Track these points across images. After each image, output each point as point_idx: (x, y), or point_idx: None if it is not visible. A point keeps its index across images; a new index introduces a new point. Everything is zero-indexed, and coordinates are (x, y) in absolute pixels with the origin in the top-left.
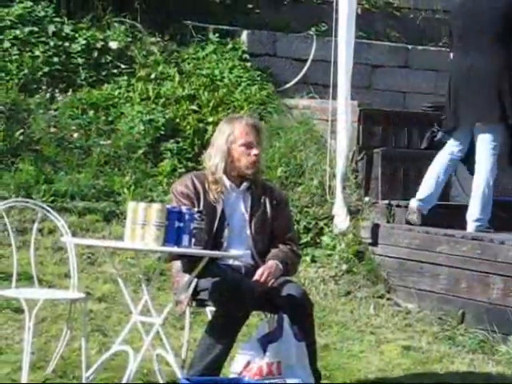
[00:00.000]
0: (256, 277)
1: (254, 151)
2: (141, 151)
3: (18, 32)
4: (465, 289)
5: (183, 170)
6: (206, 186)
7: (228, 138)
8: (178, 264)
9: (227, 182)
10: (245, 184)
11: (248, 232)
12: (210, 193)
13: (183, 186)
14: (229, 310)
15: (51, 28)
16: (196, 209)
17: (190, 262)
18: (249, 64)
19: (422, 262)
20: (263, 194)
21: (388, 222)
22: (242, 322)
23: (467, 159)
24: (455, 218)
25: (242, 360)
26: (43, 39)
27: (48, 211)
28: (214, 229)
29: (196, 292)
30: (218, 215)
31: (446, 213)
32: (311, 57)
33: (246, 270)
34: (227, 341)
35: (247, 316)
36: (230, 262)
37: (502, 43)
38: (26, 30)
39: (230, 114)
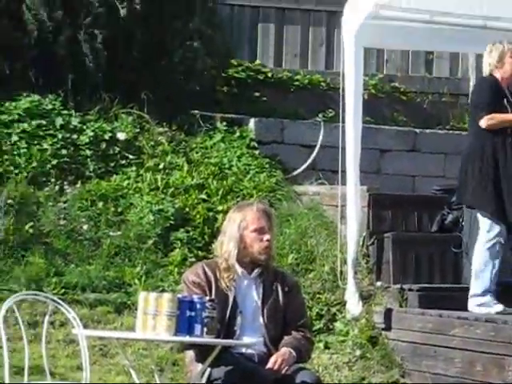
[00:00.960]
0: (269, 365)
1: (267, 236)
2: (151, 241)
3: (25, 125)
4: (480, 372)
5: (194, 259)
6: (218, 274)
7: (240, 225)
8: (190, 354)
9: (239, 269)
10: (256, 271)
11: (261, 319)
12: (222, 281)
13: (194, 274)
14: None
15: (59, 121)
16: (207, 297)
17: (202, 351)
18: (257, 152)
19: (435, 345)
20: (275, 281)
21: (401, 306)
22: None
23: None
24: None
25: None
26: (51, 132)
27: (59, 304)
28: (227, 317)
29: (209, 381)
30: (230, 303)
31: (458, 295)
32: (319, 143)
33: (260, 358)
34: None
35: None
36: (243, 350)
37: (476, 128)
38: (34, 123)
39: (240, 202)
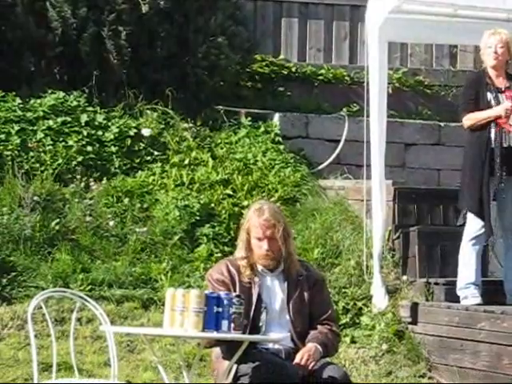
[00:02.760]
0: (296, 360)
1: (265, 246)
2: (177, 237)
3: (51, 122)
4: (507, 365)
5: (220, 254)
6: (242, 269)
7: (246, 226)
8: (217, 350)
9: (259, 267)
10: (279, 268)
11: (287, 315)
12: (245, 277)
13: (218, 272)
14: None
15: (84, 117)
16: (234, 293)
17: (229, 348)
18: (282, 146)
19: (462, 339)
20: (299, 276)
21: (427, 300)
22: None
23: None
24: (494, 294)
25: None
26: (76, 129)
27: (86, 300)
28: (252, 313)
29: (237, 377)
30: (255, 299)
31: (484, 289)
32: (344, 137)
33: (286, 354)
34: None
35: None
36: (270, 345)
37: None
38: (59, 120)
39: (258, 201)
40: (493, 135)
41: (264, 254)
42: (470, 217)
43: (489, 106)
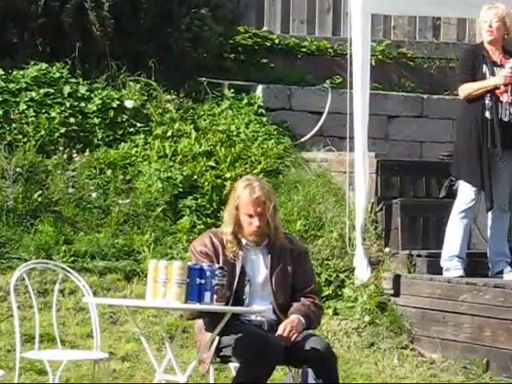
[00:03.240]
0: (279, 332)
1: (256, 223)
2: (159, 209)
3: (33, 94)
4: (489, 337)
5: (202, 226)
6: (225, 242)
7: (235, 202)
8: (200, 322)
9: (243, 241)
10: (264, 242)
11: (269, 287)
12: (230, 251)
13: (201, 244)
14: (253, 365)
15: (67, 89)
16: (217, 265)
17: (212, 319)
18: (265, 118)
19: (444, 311)
20: (283, 249)
21: (409, 272)
22: (267, 377)
23: None
24: (477, 266)
25: None
26: (59, 100)
27: (69, 272)
28: (235, 285)
29: (219, 349)
30: (238, 271)
31: (467, 261)
32: (327, 109)
33: (269, 325)
34: None
35: (271, 371)
36: (253, 317)
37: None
38: (42, 91)
39: (246, 176)
40: (487, 107)
41: (254, 230)
42: (462, 189)
43: (483, 79)
